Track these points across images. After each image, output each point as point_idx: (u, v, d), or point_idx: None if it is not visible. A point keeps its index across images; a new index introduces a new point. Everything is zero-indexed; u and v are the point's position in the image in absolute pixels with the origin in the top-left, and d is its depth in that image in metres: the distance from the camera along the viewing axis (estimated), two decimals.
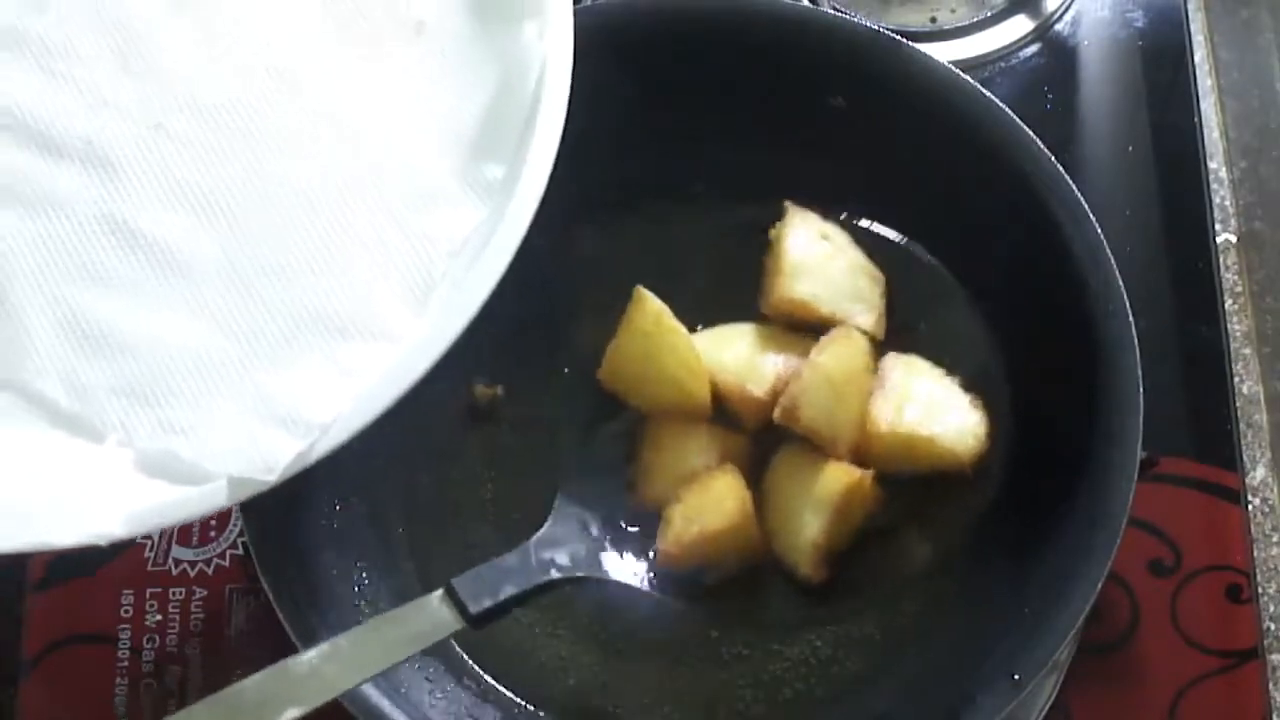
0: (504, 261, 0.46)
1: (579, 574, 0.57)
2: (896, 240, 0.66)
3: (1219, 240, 0.77)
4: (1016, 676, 0.53)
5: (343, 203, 0.48)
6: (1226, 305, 0.74)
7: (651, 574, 0.59)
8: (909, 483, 0.61)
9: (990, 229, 0.63)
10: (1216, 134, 0.80)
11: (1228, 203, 0.79)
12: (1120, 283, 0.58)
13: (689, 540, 0.58)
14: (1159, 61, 0.80)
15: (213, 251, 0.47)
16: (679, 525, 0.58)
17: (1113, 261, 0.58)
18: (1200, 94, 0.79)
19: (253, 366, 0.46)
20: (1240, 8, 0.83)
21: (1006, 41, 0.80)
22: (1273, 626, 0.68)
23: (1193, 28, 0.81)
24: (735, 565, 0.61)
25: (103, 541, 0.42)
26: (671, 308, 0.61)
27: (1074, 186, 0.60)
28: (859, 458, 0.60)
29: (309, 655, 0.47)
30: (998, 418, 0.61)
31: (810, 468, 0.59)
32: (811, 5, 0.75)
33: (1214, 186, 0.78)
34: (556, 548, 0.56)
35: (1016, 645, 0.54)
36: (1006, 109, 0.61)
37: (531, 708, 0.61)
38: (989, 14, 0.81)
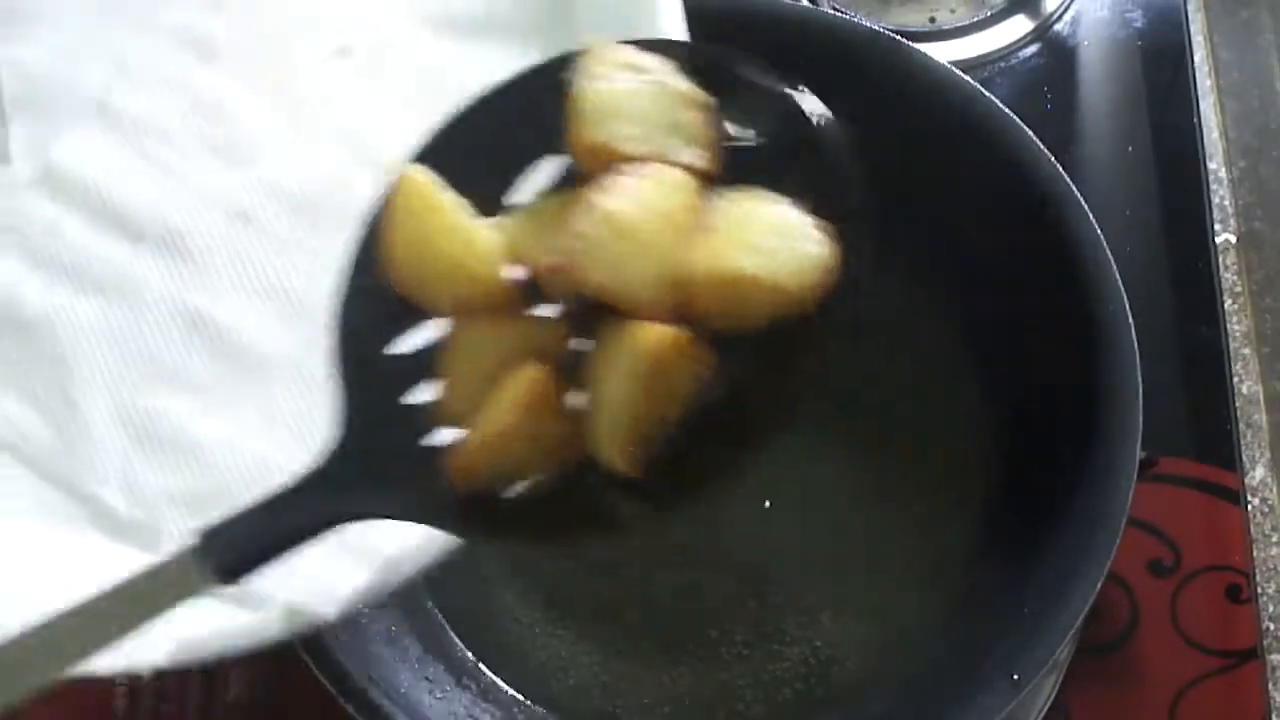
0: None
1: (355, 515, 0.42)
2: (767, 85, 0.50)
3: (1219, 240, 0.77)
4: (1016, 676, 0.53)
5: None
6: (1226, 305, 0.74)
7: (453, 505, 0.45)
8: (751, 340, 0.48)
9: (990, 229, 0.63)
10: (1216, 134, 0.80)
11: (1227, 203, 0.79)
12: (1120, 283, 0.58)
13: (474, 448, 0.45)
14: (1159, 61, 0.80)
15: (289, 352, 0.45)
16: (467, 435, 0.46)
17: (1113, 261, 0.58)
18: (1200, 94, 0.79)
19: None
20: (1240, 8, 0.83)
21: (1006, 41, 0.80)
22: (1272, 626, 0.68)
23: (1193, 28, 0.81)
24: (547, 472, 0.47)
25: (143, 671, 0.40)
26: (471, 185, 0.48)
27: (1074, 186, 0.60)
28: (680, 316, 0.47)
29: (18, 633, 0.38)
30: (854, 246, 0.46)
31: (615, 337, 0.46)
32: (811, 5, 0.75)
33: (1214, 186, 0.78)
34: (342, 484, 0.42)
35: (1016, 645, 0.54)
36: (1006, 109, 0.61)
37: (532, 707, 0.61)
38: (989, 14, 0.81)
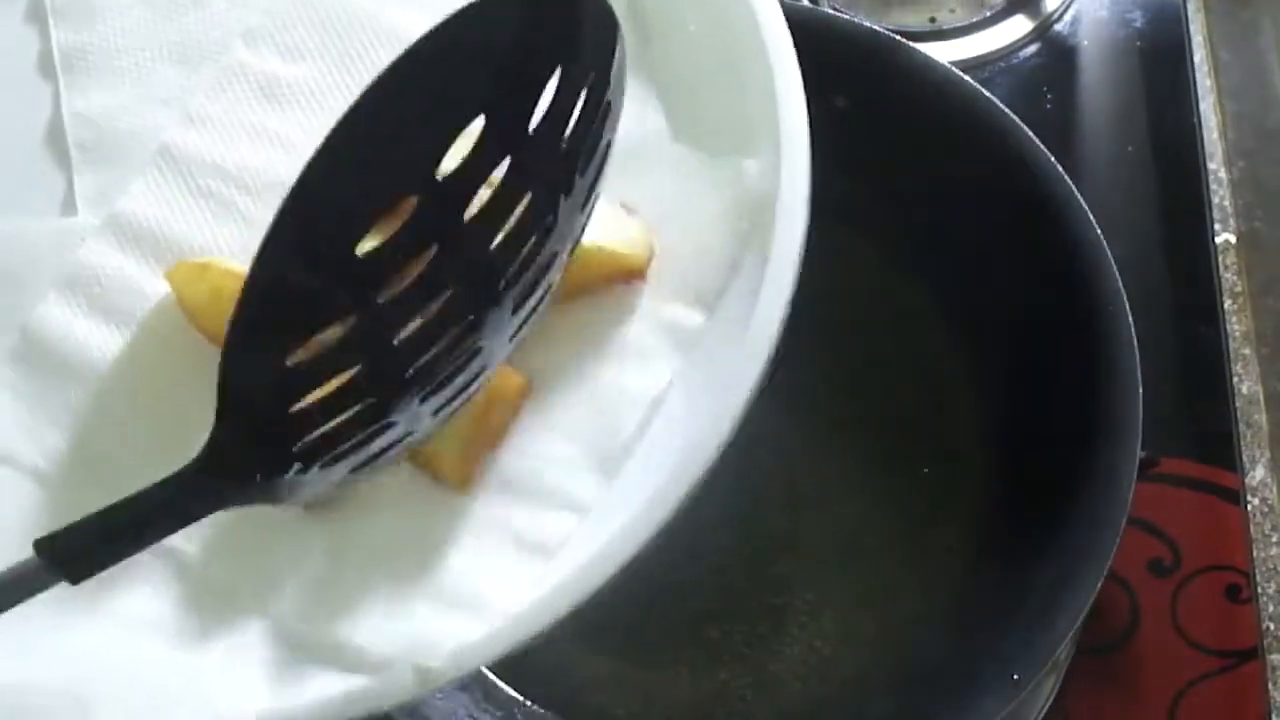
0: (713, 440, 0.39)
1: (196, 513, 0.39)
2: None
3: (1218, 240, 0.77)
4: (1016, 676, 0.53)
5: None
6: (1226, 305, 0.74)
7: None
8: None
9: (990, 229, 0.63)
10: (1216, 134, 0.80)
11: (1227, 203, 0.79)
12: (1120, 283, 0.58)
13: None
14: (1159, 61, 0.80)
15: None
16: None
17: (1113, 261, 0.58)
18: (1200, 94, 0.79)
19: (427, 538, 0.42)
20: (1240, 8, 0.83)
21: (1006, 41, 0.80)
22: (1272, 626, 0.68)
23: (1192, 28, 0.81)
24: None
25: None
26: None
27: (1074, 187, 0.60)
28: None
29: None
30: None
31: None
32: (811, 5, 0.75)
33: (1214, 187, 0.78)
34: (199, 486, 0.39)
35: (1016, 645, 0.54)
36: (1006, 109, 0.61)
37: (532, 708, 0.61)
38: (989, 14, 0.81)
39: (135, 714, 0.39)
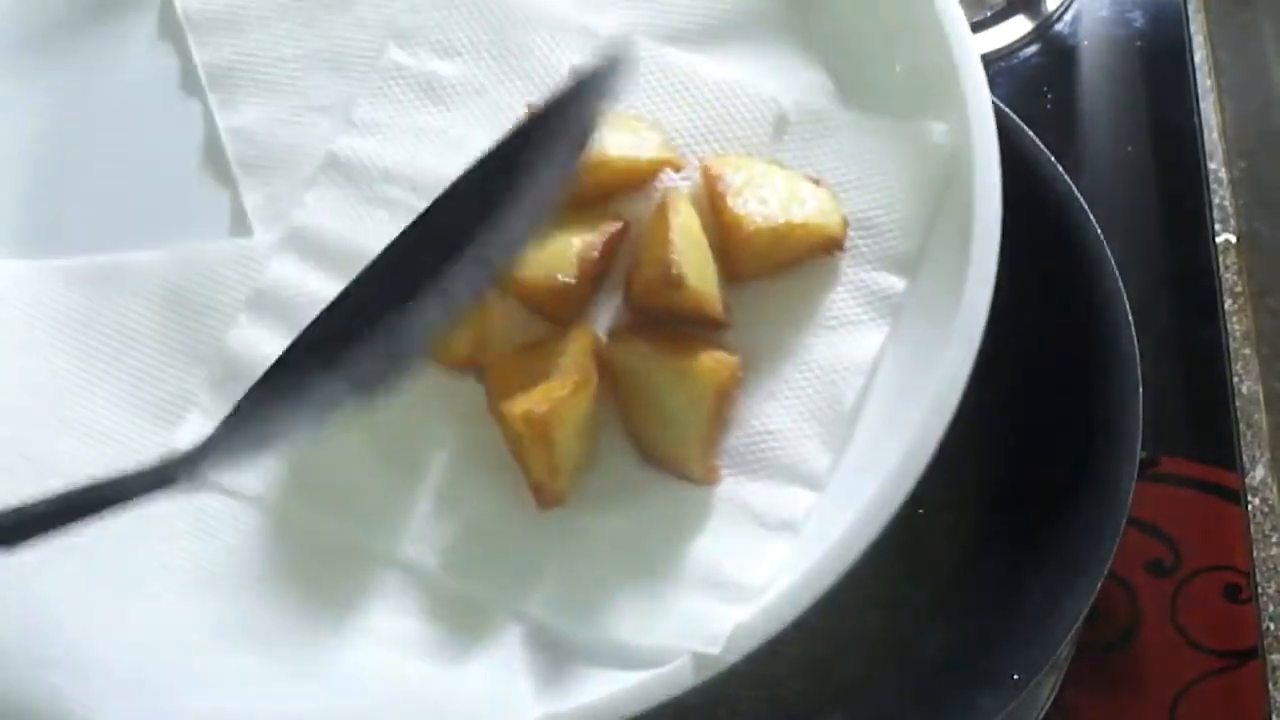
0: (948, 405, 0.40)
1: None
2: None
3: (1219, 240, 0.77)
4: (1016, 676, 0.53)
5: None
6: (1226, 305, 0.74)
7: None
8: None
9: None
10: (1216, 134, 0.80)
11: (1227, 203, 0.79)
12: (1120, 283, 0.58)
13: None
14: (1159, 61, 0.80)
15: None
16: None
17: (1112, 261, 0.58)
18: (1200, 94, 0.79)
19: (671, 526, 0.41)
20: (1240, 9, 0.83)
21: (1006, 41, 0.80)
22: (1272, 626, 0.68)
23: (1192, 28, 0.81)
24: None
25: None
26: None
27: (1074, 187, 0.60)
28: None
29: None
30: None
31: (672, 366, 0.46)
32: None
33: (1214, 186, 0.78)
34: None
35: (1016, 645, 0.54)
36: (1007, 109, 0.61)
37: None
38: (989, 14, 0.81)
39: None
